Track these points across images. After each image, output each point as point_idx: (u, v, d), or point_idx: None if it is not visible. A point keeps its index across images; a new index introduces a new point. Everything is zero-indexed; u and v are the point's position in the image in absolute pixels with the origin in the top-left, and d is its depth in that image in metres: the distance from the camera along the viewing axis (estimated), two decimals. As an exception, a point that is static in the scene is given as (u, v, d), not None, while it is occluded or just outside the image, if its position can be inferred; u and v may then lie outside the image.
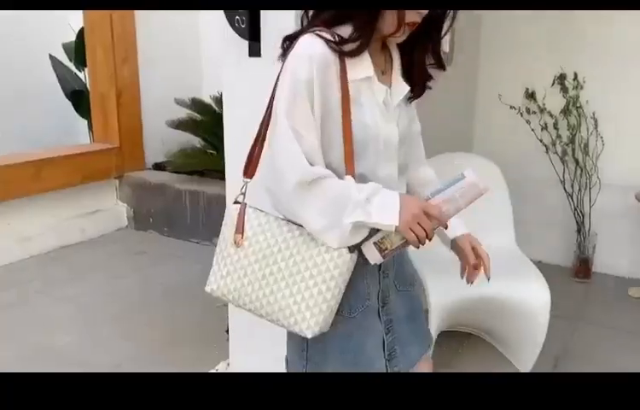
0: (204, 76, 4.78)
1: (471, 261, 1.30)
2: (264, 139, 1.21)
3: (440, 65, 1.25)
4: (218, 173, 3.71)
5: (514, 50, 3.60)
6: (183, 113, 4.45)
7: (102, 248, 4.12)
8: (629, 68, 3.34)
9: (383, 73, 1.22)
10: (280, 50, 1.21)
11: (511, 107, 3.49)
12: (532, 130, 3.47)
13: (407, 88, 1.24)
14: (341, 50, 1.12)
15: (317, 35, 1.12)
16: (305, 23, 1.21)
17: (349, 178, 1.14)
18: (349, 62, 1.13)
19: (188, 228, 4.21)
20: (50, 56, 4.98)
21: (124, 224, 4.53)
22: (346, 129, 1.13)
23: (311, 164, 1.11)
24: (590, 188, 3.48)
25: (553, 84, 3.44)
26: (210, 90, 4.39)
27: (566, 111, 3.43)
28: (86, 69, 4.70)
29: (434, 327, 2.40)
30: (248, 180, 1.26)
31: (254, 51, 1.96)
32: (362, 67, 1.16)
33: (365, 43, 1.13)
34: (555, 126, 3.46)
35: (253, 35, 1.92)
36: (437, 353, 2.75)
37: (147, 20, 4.47)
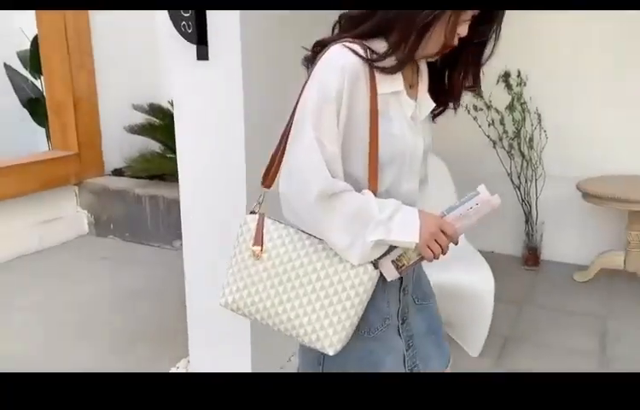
0: (162, 80, 4.80)
1: None
2: (284, 149, 1.17)
3: (476, 88, 1.24)
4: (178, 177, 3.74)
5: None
6: (142, 118, 4.46)
7: (63, 256, 4.10)
8: (569, 65, 3.52)
9: (411, 86, 1.20)
10: (308, 54, 1.19)
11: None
12: (480, 126, 3.62)
13: (433, 104, 1.23)
14: (377, 66, 1.10)
15: (348, 47, 1.10)
16: (336, 32, 1.19)
17: (368, 192, 1.12)
18: (379, 76, 1.11)
19: (148, 232, 4.22)
20: (5, 65, 4.92)
21: (84, 230, 4.51)
22: (372, 144, 1.12)
23: (332, 174, 1.09)
24: (535, 180, 3.65)
25: (498, 82, 3.60)
26: (169, 94, 4.41)
27: (511, 107, 3.59)
28: (42, 77, 4.67)
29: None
30: (266, 190, 1.23)
31: (202, 55, 2.03)
32: (392, 81, 1.14)
33: (405, 62, 1.12)
34: (502, 122, 3.62)
35: (200, 39, 1.99)
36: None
37: (102, 25, 4.46)
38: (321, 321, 1.12)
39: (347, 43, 1.11)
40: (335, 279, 1.12)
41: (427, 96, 1.23)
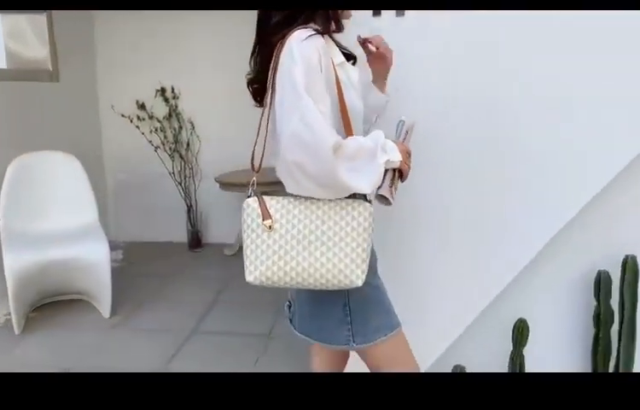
0: None
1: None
2: (265, 134, 1.33)
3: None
4: None
5: (126, 68, 4.36)
6: None
7: None
8: (211, 81, 4.30)
9: None
10: (252, 76, 1.39)
11: (122, 115, 4.22)
12: (143, 133, 4.26)
13: (357, 69, 1.46)
14: (330, 37, 1.36)
15: (306, 29, 1.28)
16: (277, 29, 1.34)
17: (353, 137, 1.30)
18: (330, 50, 1.32)
19: None
20: None
21: None
22: (341, 102, 1.32)
23: None
24: (193, 177, 4.44)
25: (156, 96, 4.29)
26: None
27: (169, 117, 4.31)
28: None
29: (14, 297, 2.85)
30: (257, 174, 1.36)
31: None
32: (337, 54, 1.37)
33: (341, 26, 1.40)
34: (162, 130, 4.32)
35: None
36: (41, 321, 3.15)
37: None
38: (343, 261, 1.28)
39: (302, 28, 1.29)
40: (344, 223, 1.28)
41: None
